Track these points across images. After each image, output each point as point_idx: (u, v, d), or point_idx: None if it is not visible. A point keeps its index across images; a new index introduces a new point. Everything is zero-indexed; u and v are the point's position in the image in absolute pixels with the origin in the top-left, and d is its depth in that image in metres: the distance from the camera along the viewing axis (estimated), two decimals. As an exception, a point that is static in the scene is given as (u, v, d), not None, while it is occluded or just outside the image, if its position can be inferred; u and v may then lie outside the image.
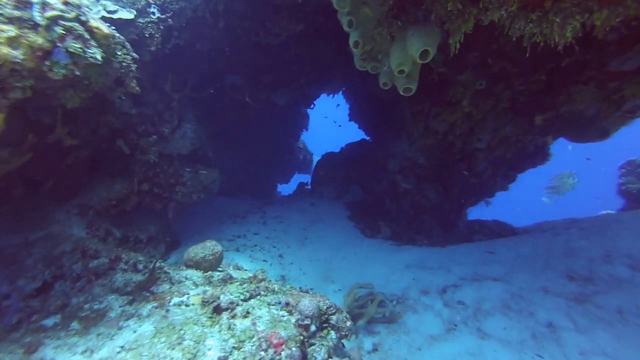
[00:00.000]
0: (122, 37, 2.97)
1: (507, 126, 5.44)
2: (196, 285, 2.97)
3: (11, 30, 2.12)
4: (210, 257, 3.49)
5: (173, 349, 1.89)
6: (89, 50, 2.43)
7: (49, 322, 2.24)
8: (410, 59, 2.56)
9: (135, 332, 2.08)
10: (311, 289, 5.80)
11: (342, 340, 2.53)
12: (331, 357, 2.32)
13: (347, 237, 6.97)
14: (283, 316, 2.34)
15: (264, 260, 6.27)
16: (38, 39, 2.22)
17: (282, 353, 2.02)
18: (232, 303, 2.34)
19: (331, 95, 12.13)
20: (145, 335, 2.01)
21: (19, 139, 2.65)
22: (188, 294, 2.61)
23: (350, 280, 5.72)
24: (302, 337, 2.15)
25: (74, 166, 3.70)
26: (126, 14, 3.81)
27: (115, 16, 3.70)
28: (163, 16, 4.27)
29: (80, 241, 2.97)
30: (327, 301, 2.54)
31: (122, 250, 3.25)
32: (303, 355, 2.11)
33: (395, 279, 5.70)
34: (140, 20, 4.11)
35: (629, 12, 1.80)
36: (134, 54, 3.15)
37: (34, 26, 2.24)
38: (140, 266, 3.22)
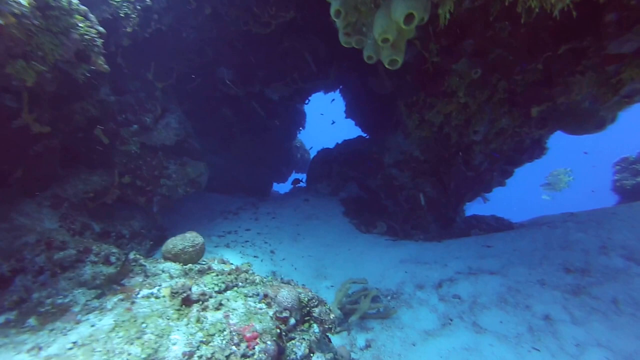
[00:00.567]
0: (83, 7, 2.75)
1: (503, 118, 5.27)
2: (172, 278, 2.77)
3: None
4: (190, 249, 3.28)
5: (131, 343, 1.70)
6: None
7: (0, 319, 2.05)
8: (394, 25, 2.37)
9: (93, 326, 1.89)
10: (302, 285, 5.65)
11: (328, 335, 2.35)
12: (313, 352, 2.14)
13: (341, 233, 6.79)
14: (260, 309, 2.15)
15: (254, 256, 6.08)
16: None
17: (256, 347, 1.84)
18: (204, 295, 2.15)
19: (330, 93, 11.98)
20: (102, 329, 1.82)
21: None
22: (160, 285, 2.42)
23: (343, 277, 5.54)
24: (279, 331, 1.97)
25: (44, 156, 3.50)
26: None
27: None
28: (139, -6, 4.06)
29: (46, 232, 2.77)
30: (309, 292, 2.35)
31: (93, 242, 3.05)
32: (280, 350, 1.92)
33: (390, 274, 5.53)
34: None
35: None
36: (100, 28, 2.95)
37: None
38: (113, 259, 3.02)
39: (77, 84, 3.75)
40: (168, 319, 1.95)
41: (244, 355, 1.81)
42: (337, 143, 9.46)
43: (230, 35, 6.07)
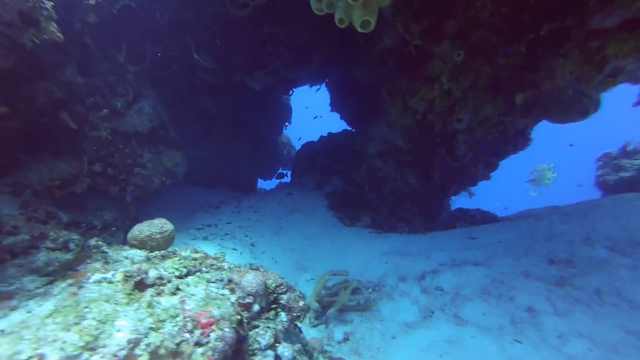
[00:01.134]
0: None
1: (488, 105, 5.17)
2: (134, 264, 2.58)
3: None
4: (158, 236, 3.08)
5: (68, 330, 1.51)
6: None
7: None
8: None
9: (29, 312, 1.70)
10: (282, 278, 5.48)
11: (300, 325, 2.19)
12: (280, 342, 1.98)
13: (324, 226, 6.64)
14: (222, 295, 1.98)
15: (234, 249, 5.90)
16: None
17: (212, 335, 1.67)
18: (160, 279, 1.97)
19: (316, 87, 11.79)
20: (38, 315, 1.64)
21: None
22: (116, 270, 2.23)
23: (324, 269, 5.37)
24: (239, 317, 1.80)
25: (1, 138, 3.26)
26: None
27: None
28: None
29: (-2, 216, 2.55)
30: (278, 278, 2.19)
31: (52, 228, 2.84)
32: (240, 338, 1.76)
33: (373, 266, 5.40)
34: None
35: None
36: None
37: None
38: (72, 245, 2.81)
39: (38, 62, 3.52)
40: (116, 304, 1.76)
41: (197, 343, 1.64)
42: (322, 136, 9.29)
43: (208, 18, 5.85)
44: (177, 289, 1.95)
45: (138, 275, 1.95)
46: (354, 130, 9.66)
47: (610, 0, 3.20)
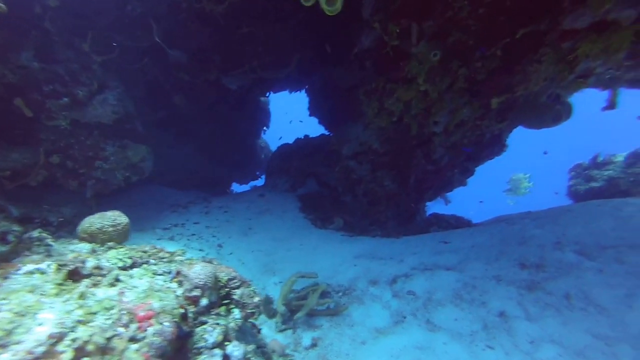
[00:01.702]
0: None
1: (464, 108, 5.17)
2: (77, 258, 2.35)
3: None
4: (110, 229, 2.85)
5: (-27, 323, 1.31)
6: None
7: None
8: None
9: None
10: (250, 280, 5.27)
11: (257, 324, 2.01)
12: (230, 341, 1.80)
13: (295, 228, 6.47)
14: (168, 287, 1.80)
15: (200, 250, 5.65)
16: None
17: (149, 329, 1.48)
18: (99, 268, 1.77)
19: (295, 93, 11.69)
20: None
21: None
22: (54, 261, 2.00)
23: (294, 272, 5.23)
24: (183, 311, 1.62)
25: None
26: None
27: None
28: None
29: None
30: (231, 271, 2.02)
31: (-12, 217, 2.58)
32: (182, 334, 1.57)
33: (344, 269, 5.25)
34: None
35: None
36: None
37: None
38: (11, 237, 2.56)
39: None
40: (42, 295, 1.55)
41: (132, 338, 1.45)
42: (298, 138, 9.16)
43: (183, 13, 5.67)
44: (117, 280, 1.75)
45: (73, 264, 1.74)
46: (332, 134, 9.59)
47: (581, 1, 3.25)
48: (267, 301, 4.73)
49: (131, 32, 5.38)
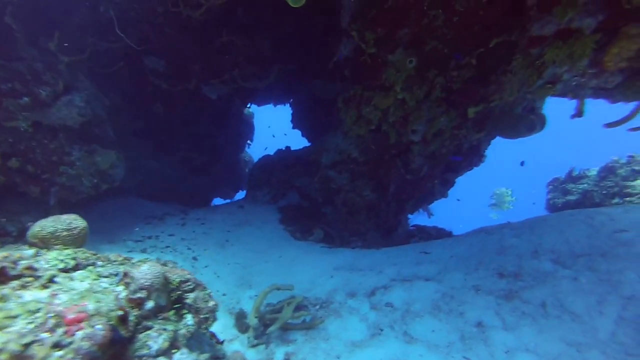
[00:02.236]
0: None
1: (441, 117, 5.18)
2: (20, 263, 2.15)
3: None
4: (64, 233, 2.64)
5: None
6: None
7: None
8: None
9: None
10: (224, 294, 5.05)
11: (213, 332, 1.85)
12: (178, 348, 1.63)
13: (274, 240, 6.29)
14: (110, 289, 1.63)
15: (173, 263, 5.40)
16: None
17: (78, 333, 1.31)
18: (31, 269, 1.59)
19: (280, 105, 11.65)
20: None
21: None
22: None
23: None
24: (121, 313, 1.45)
25: None
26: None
27: None
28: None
29: None
30: (185, 273, 1.86)
31: None
32: (119, 338, 1.41)
33: (322, 282, 5.09)
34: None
35: None
36: None
37: None
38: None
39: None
40: (-45, 298, 1.38)
41: (56, 345, 1.28)
42: (279, 149, 9.06)
43: (159, 18, 5.58)
44: (52, 281, 1.58)
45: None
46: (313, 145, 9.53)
47: (547, 10, 3.34)
48: (241, 315, 4.52)
49: (104, 35, 5.26)
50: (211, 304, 1.83)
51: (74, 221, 2.79)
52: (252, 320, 3.98)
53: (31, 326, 1.30)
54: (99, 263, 1.88)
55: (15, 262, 1.62)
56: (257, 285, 5.10)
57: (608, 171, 8.40)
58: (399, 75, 4.75)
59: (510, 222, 6.03)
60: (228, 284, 5.16)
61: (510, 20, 3.86)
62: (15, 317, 1.32)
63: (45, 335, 1.30)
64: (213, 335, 2.17)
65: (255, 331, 4.03)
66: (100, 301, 1.46)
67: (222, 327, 4.38)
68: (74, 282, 1.65)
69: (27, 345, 1.24)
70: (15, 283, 1.52)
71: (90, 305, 1.42)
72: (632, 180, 7.80)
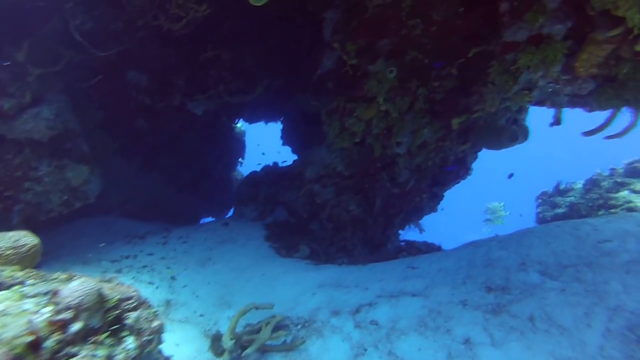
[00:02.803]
0: None
1: (425, 128, 5.09)
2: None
3: None
4: (10, 252, 2.44)
5: None
6: None
7: None
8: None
9: None
10: (201, 315, 4.80)
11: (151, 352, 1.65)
12: (112, 377, 1.43)
13: (258, 258, 6.07)
14: (33, 312, 1.44)
15: (149, 283, 5.17)
16: None
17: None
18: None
19: (271, 122, 11.59)
20: None
21: None
22: None
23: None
24: (31, 339, 1.26)
25: None
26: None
27: None
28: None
29: None
30: (130, 291, 1.68)
31: None
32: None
33: (305, 300, 4.87)
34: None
35: None
36: None
37: None
38: None
39: None
40: None
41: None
42: (266, 165, 8.92)
43: (140, 32, 5.51)
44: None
45: None
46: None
47: (519, 16, 3.33)
48: (217, 337, 4.28)
49: (82, 48, 5.15)
50: (156, 323, 1.64)
51: (22, 238, 2.60)
52: (227, 343, 3.74)
53: None
54: (29, 282, 1.69)
55: None
56: (237, 305, 4.86)
57: (593, 184, 8.51)
58: (381, 86, 4.68)
59: (498, 235, 5.89)
60: (206, 303, 4.92)
61: (487, 29, 3.83)
62: None
63: None
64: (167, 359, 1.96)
65: (230, 354, 3.80)
66: (6, 326, 1.27)
67: (196, 350, 4.14)
68: (-7, 304, 1.46)
69: None
70: None
71: (-3, 330, 1.23)
72: (615, 192, 7.85)
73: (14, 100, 3.78)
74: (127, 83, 6.77)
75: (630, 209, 7.17)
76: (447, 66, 4.50)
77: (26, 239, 2.61)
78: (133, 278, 5.21)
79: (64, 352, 1.36)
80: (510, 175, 7.45)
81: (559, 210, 8.74)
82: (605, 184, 8.22)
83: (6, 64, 3.65)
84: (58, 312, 1.40)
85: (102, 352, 1.44)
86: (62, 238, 6.20)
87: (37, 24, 4.03)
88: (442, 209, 7.11)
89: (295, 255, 6.11)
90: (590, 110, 3.94)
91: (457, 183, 6.76)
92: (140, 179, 9.55)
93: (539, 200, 10.04)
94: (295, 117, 9.60)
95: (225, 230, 7.18)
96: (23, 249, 2.56)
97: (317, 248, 6.18)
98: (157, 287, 5.10)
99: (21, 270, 1.95)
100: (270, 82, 8.19)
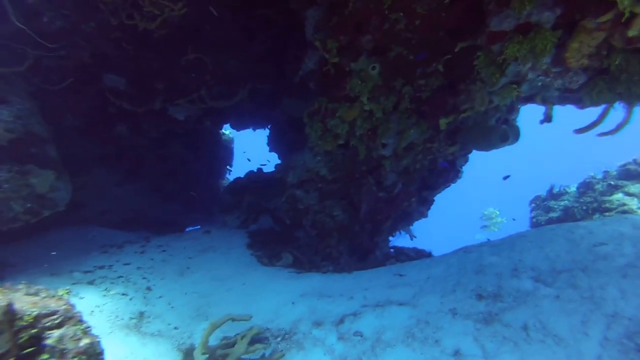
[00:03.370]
0: None
1: (412, 129, 4.90)
2: None
3: None
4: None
5: None
6: None
7: None
8: None
9: None
10: (175, 327, 4.50)
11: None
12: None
13: (239, 266, 5.79)
14: None
15: (123, 294, 4.87)
16: None
17: None
18: None
19: (259, 129, 11.37)
20: None
21: None
22: None
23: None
24: None
25: None
26: None
27: None
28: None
29: None
30: (61, 304, 1.42)
31: None
32: None
33: (287, 310, 4.60)
34: None
35: None
36: None
37: None
38: None
39: None
40: None
41: None
42: (250, 171, 8.68)
43: (115, 32, 5.29)
44: None
45: None
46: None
47: (505, 4, 3.16)
48: (190, 352, 3.98)
49: (54, 50, 4.91)
50: (84, 342, 1.38)
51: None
52: (199, 358, 3.45)
53: None
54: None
55: None
56: (214, 316, 4.56)
57: (586, 187, 8.37)
58: (364, 85, 4.48)
59: (490, 240, 5.68)
60: (182, 315, 4.63)
61: (473, 22, 3.66)
62: None
63: None
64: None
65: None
66: None
67: (167, 367, 3.84)
68: None
69: None
70: None
71: None
72: (609, 195, 7.71)
73: (-31, 100, 3.53)
74: (104, 86, 6.52)
75: (625, 212, 7.04)
76: (433, 62, 4.32)
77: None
78: (105, 289, 4.91)
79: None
80: (506, 177, 7.28)
81: (553, 215, 8.59)
82: (599, 187, 8.11)
83: None
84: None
85: (5, 377, 1.19)
86: (33, 249, 5.88)
87: (1, 24, 3.80)
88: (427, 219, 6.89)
89: (277, 263, 5.85)
90: (582, 107, 3.77)
91: (448, 187, 6.57)
92: (123, 187, 9.24)
93: (533, 205, 9.91)
94: (282, 122, 9.39)
95: (207, 238, 6.89)
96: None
97: (301, 256, 5.92)
98: (130, 299, 4.80)
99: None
100: (255, 86, 7.99)
